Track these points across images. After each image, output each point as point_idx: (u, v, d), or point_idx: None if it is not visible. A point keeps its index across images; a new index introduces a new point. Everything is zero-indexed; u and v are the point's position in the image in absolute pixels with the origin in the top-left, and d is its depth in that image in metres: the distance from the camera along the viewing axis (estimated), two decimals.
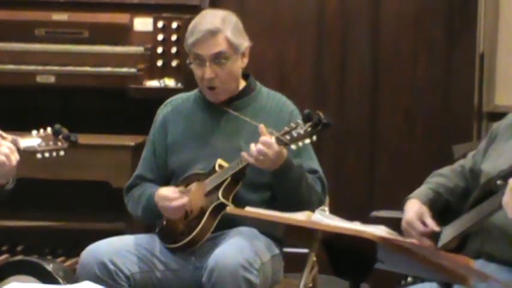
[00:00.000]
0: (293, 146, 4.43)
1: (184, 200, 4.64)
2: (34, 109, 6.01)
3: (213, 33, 4.66)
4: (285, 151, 4.46)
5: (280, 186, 4.49)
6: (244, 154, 4.48)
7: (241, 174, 4.59)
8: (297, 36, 6.56)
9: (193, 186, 4.70)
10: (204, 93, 4.78)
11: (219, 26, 4.68)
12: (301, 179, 4.53)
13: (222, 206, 4.61)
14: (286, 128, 4.42)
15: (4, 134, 4.69)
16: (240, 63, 4.76)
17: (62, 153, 4.68)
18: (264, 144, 4.40)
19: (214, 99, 4.76)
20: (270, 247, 4.72)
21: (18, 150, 4.64)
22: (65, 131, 4.70)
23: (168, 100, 5.04)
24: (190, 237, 4.67)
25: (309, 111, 4.38)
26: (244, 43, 4.74)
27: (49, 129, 4.68)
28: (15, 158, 4.54)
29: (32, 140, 4.70)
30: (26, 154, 4.63)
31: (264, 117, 4.74)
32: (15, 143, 4.63)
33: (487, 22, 6.74)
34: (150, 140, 4.93)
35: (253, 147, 4.43)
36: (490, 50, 6.82)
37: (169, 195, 4.63)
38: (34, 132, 4.68)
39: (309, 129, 4.39)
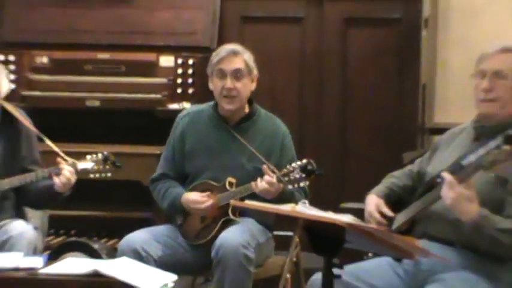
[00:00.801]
0: (289, 186, 4.46)
1: (210, 201, 4.69)
2: (84, 126, 6.03)
3: (235, 53, 4.77)
4: (281, 187, 4.51)
5: (274, 201, 4.49)
6: (252, 185, 4.58)
7: (246, 197, 4.59)
8: (285, 68, 6.57)
9: (210, 196, 4.74)
10: (220, 104, 4.84)
11: (240, 50, 4.81)
12: (291, 198, 4.56)
13: (230, 219, 4.62)
14: (285, 170, 4.53)
15: (65, 157, 4.73)
16: (250, 86, 4.82)
17: (109, 174, 4.72)
18: (268, 183, 4.49)
19: (229, 107, 4.82)
20: (263, 232, 4.77)
21: (76, 171, 4.68)
22: (112, 157, 4.77)
23: (186, 111, 5.08)
24: (205, 240, 4.77)
25: (306, 162, 4.51)
26: (255, 70, 4.80)
27: (100, 155, 4.75)
28: (74, 178, 4.60)
29: (87, 164, 4.77)
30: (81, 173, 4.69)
31: (262, 138, 4.85)
32: (74, 166, 4.68)
33: (427, 59, 6.76)
34: (170, 143, 4.98)
35: (259, 183, 4.56)
36: (430, 80, 6.86)
37: (198, 199, 4.69)
38: (88, 156, 4.75)
39: (304, 175, 4.50)
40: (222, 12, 6.53)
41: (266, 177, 4.53)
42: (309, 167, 4.49)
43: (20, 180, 4.80)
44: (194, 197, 4.72)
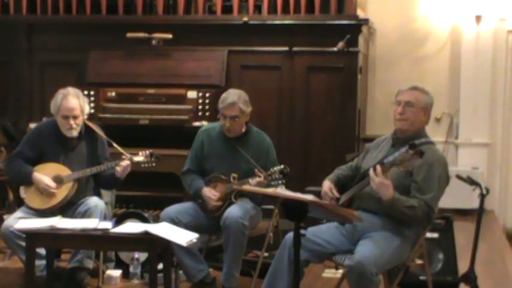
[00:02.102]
0: (272, 183, 4.52)
1: (219, 204, 4.75)
2: (138, 137, 6.00)
3: (234, 104, 4.68)
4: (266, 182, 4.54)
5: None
6: (248, 181, 4.60)
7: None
8: (268, 99, 6.56)
9: (219, 184, 4.71)
10: (224, 131, 4.77)
11: (236, 101, 4.69)
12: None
13: (233, 202, 4.63)
14: (270, 172, 4.59)
15: (125, 153, 4.73)
16: (244, 118, 4.78)
17: (153, 165, 4.69)
18: (260, 183, 4.53)
19: (229, 135, 4.78)
20: (254, 207, 4.78)
21: (132, 163, 4.68)
22: (156, 153, 4.73)
23: (205, 127, 5.08)
24: (215, 215, 4.74)
25: (283, 167, 4.61)
26: (248, 109, 4.78)
27: (148, 152, 4.72)
28: (129, 168, 4.59)
29: (139, 158, 4.75)
30: (135, 165, 4.67)
31: (255, 147, 4.82)
32: (130, 159, 4.67)
33: (361, 93, 6.78)
34: (194, 148, 4.94)
35: (252, 180, 4.59)
36: (363, 107, 6.88)
37: (212, 197, 4.72)
38: (140, 152, 4.73)
39: (282, 176, 4.58)
40: (228, 62, 6.51)
41: (257, 178, 4.57)
42: (285, 170, 4.58)
43: (97, 169, 4.82)
44: (209, 194, 4.73)
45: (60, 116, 4.80)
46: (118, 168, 4.75)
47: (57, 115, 4.83)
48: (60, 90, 4.90)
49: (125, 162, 4.74)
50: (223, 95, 4.78)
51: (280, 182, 4.55)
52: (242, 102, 4.73)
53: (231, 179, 4.71)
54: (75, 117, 4.80)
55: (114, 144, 4.94)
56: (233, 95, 4.74)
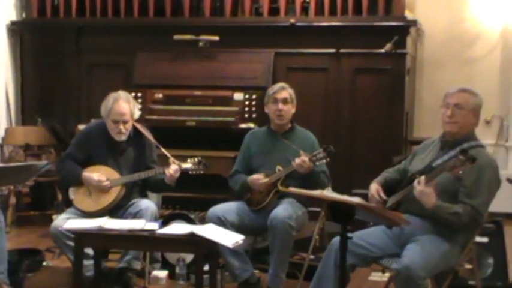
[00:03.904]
0: (317, 163, 4.43)
1: (265, 180, 4.67)
2: (185, 138, 6.04)
3: (284, 88, 4.81)
4: (311, 165, 4.46)
5: (307, 180, 4.47)
6: (291, 164, 4.55)
7: (289, 176, 4.59)
8: (314, 101, 6.54)
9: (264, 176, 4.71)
10: (274, 120, 4.87)
11: (286, 86, 4.82)
12: (318, 177, 4.55)
13: (279, 190, 4.60)
14: (313, 153, 4.53)
15: (174, 160, 4.76)
16: (291, 110, 4.83)
17: (201, 172, 4.70)
18: (303, 161, 4.50)
19: (280, 122, 4.85)
20: (301, 208, 4.78)
21: (181, 169, 4.70)
22: (204, 161, 4.78)
23: (252, 130, 5.16)
24: (262, 206, 4.72)
25: (326, 146, 4.59)
26: (295, 100, 4.84)
27: (196, 159, 4.76)
28: (178, 174, 4.61)
29: (187, 165, 4.78)
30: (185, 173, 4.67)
31: (300, 142, 4.83)
32: (179, 166, 4.69)
33: (409, 96, 6.71)
34: (242, 150, 5.00)
35: (296, 160, 4.56)
36: (410, 109, 6.81)
37: (259, 177, 4.72)
38: (189, 159, 4.77)
39: (325, 154, 4.53)
40: (274, 64, 6.51)
41: (301, 156, 4.58)
42: (328, 148, 4.57)
43: (145, 175, 4.85)
44: (255, 176, 4.76)
45: (110, 120, 4.84)
46: (167, 174, 4.77)
47: (107, 119, 4.87)
48: (111, 94, 4.92)
49: (174, 167, 4.76)
50: (271, 87, 4.98)
51: (324, 160, 4.58)
52: (291, 91, 4.91)
53: (276, 171, 4.75)
54: (124, 122, 4.83)
55: (163, 150, 4.97)
56: (282, 83, 4.96)
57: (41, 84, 7.34)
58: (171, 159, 4.84)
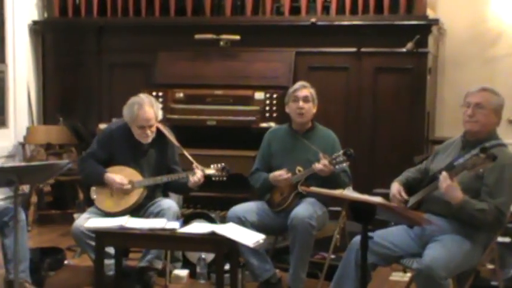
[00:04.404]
0: (337, 167, 4.42)
1: (287, 175, 4.65)
2: (206, 138, 6.05)
3: (305, 86, 4.82)
4: (332, 168, 4.50)
5: (328, 179, 4.46)
6: (313, 166, 4.55)
7: (309, 176, 4.57)
8: (335, 100, 6.52)
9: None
10: (295, 118, 4.85)
11: (307, 85, 4.83)
12: (339, 177, 4.53)
13: (300, 192, 4.59)
14: (334, 156, 4.51)
15: (198, 165, 4.79)
16: (312, 109, 4.82)
17: (224, 179, 4.68)
18: (324, 165, 4.48)
19: (301, 120, 4.84)
20: (322, 207, 4.77)
21: (204, 175, 4.71)
22: (228, 168, 4.81)
23: (272, 128, 5.18)
24: (283, 207, 4.73)
25: (346, 149, 4.54)
26: (316, 100, 4.81)
27: (219, 166, 4.76)
28: (202, 180, 4.61)
29: (211, 171, 4.80)
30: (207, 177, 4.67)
31: (321, 141, 4.82)
32: (203, 171, 4.70)
33: (430, 95, 6.68)
34: (262, 148, 5.01)
35: (317, 165, 4.53)
36: (432, 109, 6.78)
37: (281, 173, 4.69)
38: (212, 165, 4.80)
39: (346, 158, 4.51)
40: (295, 64, 6.50)
41: (322, 160, 4.57)
42: (348, 152, 4.54)
43: (168, 178, 4.88)
44: (277, 172, 4.76)
45: (136, 126, 4.87)
46: (191, 180, 4.79)
47: (132, 124, 4.89)
48: (133, 99, 4.93)
49: (199, 174, 4.78)
50: (293, 86, 4.99)
51: (344, 164, 4.57)
52: (312, 90, 4.90)
53: (297, 171, 4.73)
54: (150, 126, 4.87)
55: (186, 154, 4.98)
56: (303, 82, 4.96)
57: (62, 83, 7.40)
58: (195, 164, 4.86)
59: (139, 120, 4.83)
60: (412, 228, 3.92)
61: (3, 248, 4.56)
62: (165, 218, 4.61)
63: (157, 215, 4.73)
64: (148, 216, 4.76)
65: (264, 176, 4.87)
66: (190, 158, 4.93)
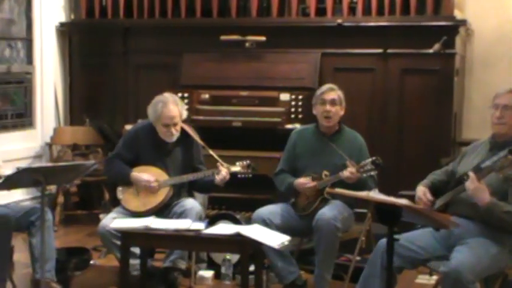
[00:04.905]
0: (364, 175, 4.39)
1: (312, 184, 4.63)
2: (231, 139, 6.04)
3: (332, 89, 4.78)
4: (359, 175, 4.48)
5: (353, 187, 4.43)
6: (339, 174, 4.52)
7: (335, 183, 4.54)
8: (361, 101, 6.48)
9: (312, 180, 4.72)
10: (321, 121, 4.83)
11: (335, 87, 4.79)
12: (365, 182, 4.50)
13: (325, 198, 4.57)
14: (362, 164, 4.48)
15: (223, 163, 4.80)
16: (340, 112, 4.80)
17: (250, 175, 4.70)
18: (351, 173, 4.44)
19: (327, 124, 4.80)
20: (347, 209, 4.76)
21: (230, 173, 4.73)
22: (253, 165, 4.85)
23: (297, 129, 5.15)
24: (308, 212, 4.72)
25: (374, 158, 4.50)
26: (344, 102, 4.78)
27: (245, 163, 4.76)
28: (228, 177, 4.62)
29: (236, 168, 4.84)
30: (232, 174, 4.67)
31: (348, 144, 4.80)
32: (228, 169, 4.71)
33: (457, 96, 6.63)
34: (286, 149, 4.99)
35: (344, 172, 4.50)
36: (459, 110, 6.72)
37: (306, 182, 4.64)
38: (237, 163, 4.80)
39: (374, 167, 4.46)
40: (321, 65, 6.48)
41: (349, 168, 4.54)
42: (377, 161, 4.51)
43: (194, 176, 4.89)
44: (302, 180, 4.74)
45: (161, 124, 4.90)
46: (217, 178, 4.81)
47: (157, 123, 4.92)
48: (158, 98, 4.98)
49: (224, 171, 4.80)
50: (320, 88, 4.96)
51: (372, 173, 4.53)
52: (340, 92, 4.86)
53: (323, 176, 4.70)
54: (175, 125, 4.89)
55: (211, 152, 5.00)
56: (331, 85, 4.92)
57: (88, 84, 7.45)
58: (220, 162, 4.87)
59: (164, 118, 4.86)
60: (439, 231, 3.89)
61: (30, 248, 4.61)
62: (188, 218, 4.63)
63: (181, 215, 4.75)
64: (172, 217, 4.78)
65: (288, 181, 4.86)
66: (215, 156, 4.96)
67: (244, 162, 4.86)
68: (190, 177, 4.90)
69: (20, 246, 5.15)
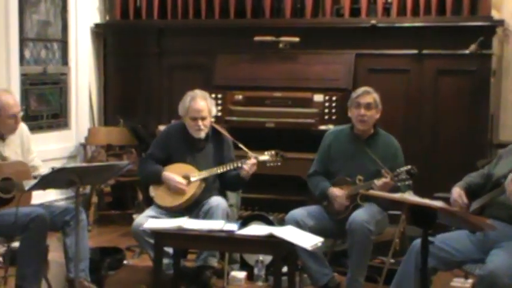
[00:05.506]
0: (399, 184, 4.38)
1: (346, 203, 4.62)
2: (264, 140, 6.03)
3: (368, 92, 4.73)
4: (393, 183, 4.44)
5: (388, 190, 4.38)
6: (374, 182, 4.51)
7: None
8: (395, 102, 6.43)
9: (345, 187, 4.69)
10: (356, 125, 4.78)
11: (371, 91, 4.74)
12: (399, 191, 4.47)
13: (358, 204, 4.55)
14: (396, 172, 4.46)
15: (250, 153, 4.80)
16: (375, 115, 4.77)
17: (279, 163, 4.70)
18: (385, 183, 4.39)
19: (362, 127, 4.76)
20: (381, 212, 4.74)
21: (258, 162, 4.74)
22: (281, 152, 4.77)
23: (332, 130, 5.11)
24: (341, 217, 4.67)
25: (410, 167, 4.47)
26: (380, 106, 4.76)
27: (273, 151, 4.76)
28: (255, 167, 4.63)
29: (265, 157, 4.80)
30: (260, 164, 4.70)
31: (382, 149, 4.77)
32: (256, 158, 4.73)
33: (494, 98, 6.56)
34: (320, 151, 4.97)
35: (378, 181, 4.48)
36: (496, 112, 6.64)
37: (340, 195, 4.67)
38: (266, 152, 4.77)
39: (408, 176, 4.43)
40: (355, 66, 6.45)
41: (383, 178, 4.50)
42: (412, 171, 4.47)
43: (224, 168, 4.93)
44: (336, 192, 4.73)
45: (189, 118, 4.98)
46: (245, 166, 4.84)
47: (185, 117, 5.01)
48: (188, 93, 5.10)
49: (251, 161, 4.84)
50: (356, 90, 4.91)
51: (407, 182, 4.48)
52: (376, 95, 4.82)
53: (357, 181, 4.68)
54: (203, 119, 4.96)
55: (240, 145, 5.04)
56: (367, 88, 4.87)
57: (123, 85, 7.52)
58: (249, 153, 4.91)
59: (191, 111, 4.95)
60: (475, 234, 3.86)
61: (64, 247, 4.66)
62: (215, 216, 4.70)
63: (207, 213, 4.80)
64: (200, 216, 4.83)
65: (322, 187, 4.83)
66: (244, 148, 5.00)
67: (273, 151, 4.90)
68: (220, 168, 4.94)
69: (54, 245, 5.22)
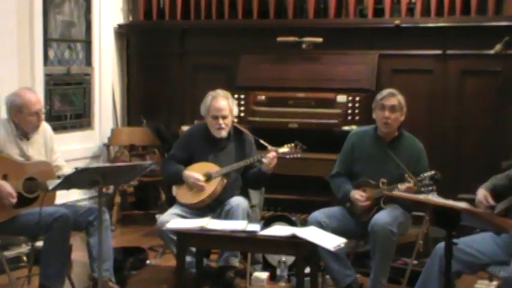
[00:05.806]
0: (422, 189, 4.34)
1: (368, 203, 4.61)
2: (286, 141, 6.04)
3: (393, 94, 4.69)
4: (416, 188, 4.39)
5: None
6: (397, 186, 4.49)
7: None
8: (419, 103, 6.40)
9: (368, 189, 4.67)
10: (380, 127, 4.75)
11: (396, 93, 4.71)
12: (421, 192, 4.44)
13: (381, 207, 4.54)
14: (420, 177, 4.42)
15: (270, 146, 4.80)
16: (400, 118, 4.74)
17: (298, 155, 4.73)
18: (409, 188, 4.36)
19: (386, 130, 4.73)
20: (404, 213, 4.71)
21: (278, 154, 4.76)
22: (301, 144, 4.77)
23: (355, 130, 5.09)
24: (363, 219, 4.66)
25: (434, 173, 4.42)
26: (405, 108, 4.72)
27: (293, 144, 4.75)
28: (275, 160, 4.64)
29: (284, 149, 4.81)
30: (280, 157, 4.67)
31: (406, 152, 4.73)
32: (276, 151, 4.75)
33: None
34: (344, 151, 4.95)
35: (401, 186, 4.46)
36: None
37: (361, 199, 4.66)
38: (285, 145, 4.76)
39: (432, 182, 4.38)
40: (379, 66, 6.43)
41: (407, 183, 4.48)
42: (436, 177, 4.44)
43: (244, 162, 4.97)
44: (358, 196, 4.71)
45: (210, 117, 5.02)
46: (264, 160, 4.85)
47: (207, 116, 5.05)
48: (209, 92, 5.15)
49: (271, 154, 4.86)
50: (381, 92, 4.87)
51: (430, 188, 4.44)
52: (401, 97, 4.78)
53: (380, 184, 4.65)
54: (224, 117, 4.99)
55: (261, 141, 5.06)
56: (392, 90, 4.83)
57: (146, 85, 7.55)
58: (269, 147, 4.93)
59: (212, 109, 4.99)
60: (499, 235, 3.83)
61: (87, 247, 4.68)
62: (236, 215, 4.72)
63: (228, 213, 4.82)
64: (221, 215, 4.86)
65: (345, 189, 4.81)
66: (264, 143, 5.00)
67: (292, 143, 4.91)
68: (241, 163, 4.97)
69: (78, 245, 5.25)
